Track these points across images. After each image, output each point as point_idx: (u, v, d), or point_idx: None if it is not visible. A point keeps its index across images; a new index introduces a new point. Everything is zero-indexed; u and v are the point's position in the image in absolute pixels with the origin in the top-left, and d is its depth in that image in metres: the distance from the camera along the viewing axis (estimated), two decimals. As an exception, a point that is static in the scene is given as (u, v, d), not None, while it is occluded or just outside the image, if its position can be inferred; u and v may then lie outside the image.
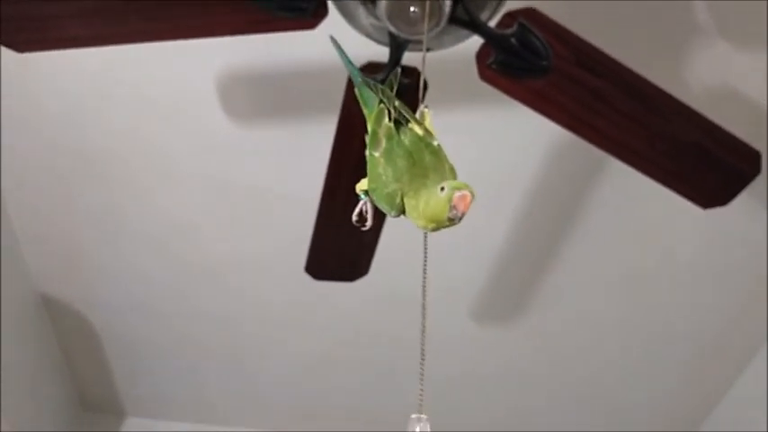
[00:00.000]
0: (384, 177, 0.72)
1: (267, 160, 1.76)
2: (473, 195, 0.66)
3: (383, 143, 0.74)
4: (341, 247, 1.47)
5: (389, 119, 0.75)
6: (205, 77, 1.62)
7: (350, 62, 0.82)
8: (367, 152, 0.75)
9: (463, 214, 0.66)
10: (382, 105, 0.76)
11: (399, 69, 0.83)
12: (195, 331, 2.18)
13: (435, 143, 0.75)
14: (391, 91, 0.77)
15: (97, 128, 1.73)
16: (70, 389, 2.35)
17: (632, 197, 1.77)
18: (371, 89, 0.77)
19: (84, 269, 2.05)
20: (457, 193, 0.66)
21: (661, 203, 1.76)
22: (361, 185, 0.79)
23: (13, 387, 1.97)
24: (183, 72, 1.62)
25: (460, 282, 2.01)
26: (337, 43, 0.84)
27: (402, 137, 0.74)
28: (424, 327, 0.69)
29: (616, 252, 1.92)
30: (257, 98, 1.66)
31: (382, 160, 0.73)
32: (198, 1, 1.11)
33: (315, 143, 1.58)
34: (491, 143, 1.69)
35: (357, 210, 0.78)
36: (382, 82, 0.80)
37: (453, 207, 0.66)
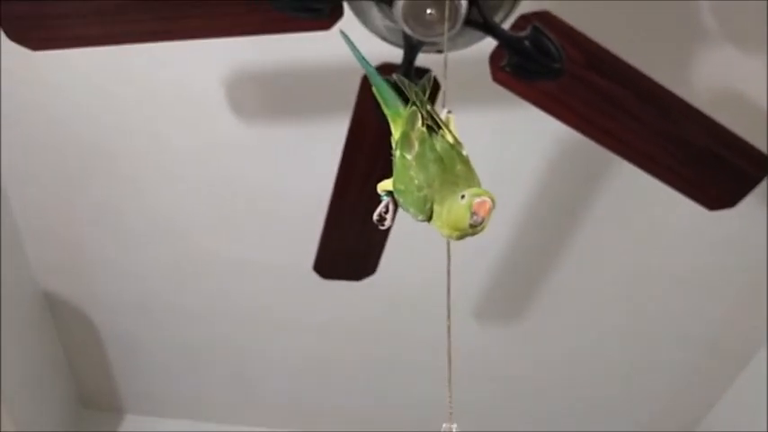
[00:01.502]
0: (416, 181, 0.72)
1: (274, 160, 1.76)
2: (493, 202, 0.66)
3: (416, 146, 0.73)
4: (350, 246, 1.47)
5: (423, 122, 0.75)
6: (212, 76, 1.62)
7: (364, 59, 0.81)
8: (396, 153, 0.75)
9: (484, 220, 0.66)
10: (415, 108, 0.75)
11: (432, 74, 0.83)
12: (196, 330, 2.18)
13: (465, 152, 0.75)
14: (424, 95, 0.76)
15: (101, 126, 1.73)
16: (70, 386, 2.35)
17: (633, 201, 1.78)
18: (405, 89, 0.76)
19: (87, 266, 2.04)
20: (477, 200, 0.66)
21: (661, 207, 1.78)
22: (385, 185, 0.79)
23: (14, 384, 1.97)
24: (190, 70, 1.62)
25: (463, 284, 2.02)
26: (350, 41, 0.82)
27: (434, 142, 0.74)
28: (449, 333, 0.70)
29: (617, 255, 1.93)
30: (265, 97, 1.66)
31: (414, 163, 0.72)
32: (213, 1, 1.12)
33: (322, 143, 1.59)
34: (500, 144, 1.70)
35: (379, 209, 0.78)
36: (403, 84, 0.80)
37: (474, 213, 0.66)
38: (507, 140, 1.70)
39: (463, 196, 0.67)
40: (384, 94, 0.80)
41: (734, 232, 1.83)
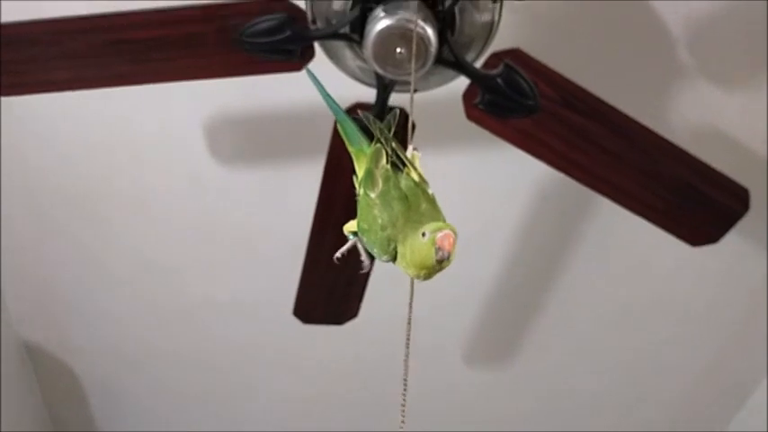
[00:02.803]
0: (380, 220, 0.69)
1: (253, 202, 1.75)
2: (455, 234, 0.64)
3: (380, 184, 0.71)
4: (330, 289, 1.45)
5: (387, 160, 0.73)
6: (189, 118, 1.62)
7: (328, 95, 0.80)
8: (360, 191, 0.73)
9: (449, 254, 0.64)
10: (379, 145, 0.73)
11: (398, 111, 0.82)
12: (179, 375, 2.14)
13: (430, 191, 0.73)
14: (389, 132, 0.75)
15: (78, 168, 1.71)
16: (52, 437, 2.30)
17: (621, 233, 1.77)
18: (370, 125, 0.75)
19: (66, 313, 2.01)
20: (439, 234, 0.64)
21: (650, 238, 1.75)
22: (350, 227, 0.77)
23: (-6, 437, 1.92)
24: (168, 112, 1.61)
25: (451, 326, 1.99)
26: (314, 75, 0.82)
27: (399, 179, 0.71)
28: (407, 363, 0.67)
29: (607, 289, 1.91)
30: (243, 139, 1.66)
31: (378, 202, 0.70)
32: (183, 44, 1.11)
33: (302, 185, 1.58)
34: (477, 183, 1.69)
35: (344, 249, 0.76)
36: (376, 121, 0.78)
37: (439, 249, 0.64)
38: (487, 180, 1.69)
39: (424, 234, 0.65)
40: (348, 131, 0.79)
41: (726, 266, 1.81)
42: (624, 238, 1.78)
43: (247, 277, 1.90)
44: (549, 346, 2.03)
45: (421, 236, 0.65)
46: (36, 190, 1.74)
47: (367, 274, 1.42)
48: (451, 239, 0.64)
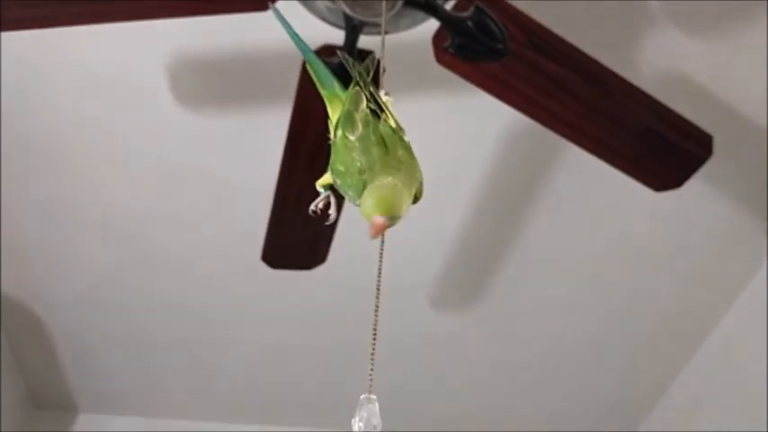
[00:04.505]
0: (359, 164, 0.68)
1: (221, 148, 1.73)
2: (392, 224, 0.64)
3: (360, 127, 0.70)
4: (297, 235, 1.45)
5: (366, 103, 0.71)
6: (155, 62, 1.57)
7: (296, 35, 0.77)
8: (337, 133, 0.71)
9: (376, 236, 0.64)
10: (358, 88, 0.72)
11: (375, 55, 0.80)
12: (148, 323, 2.14)
13: (407, 139, 0.72)
14: (368, 75, 0.73)
15: (42, 115, 1.67)
16: (20, 387, 2.29)
17: (587, 181, 1.78)
18: (349, 67, 0.73)
19: (34, 263, 1.99)
20: (375, 218, 0.63)
21: (616, 186, 1.78)
22: (323, 181, 0.76)
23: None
24: (133, 57, 1.57)
25: (418, 270, 2.01)
26: (281, 15, 0.79)
27: (378, 125, 0.70)
28: (377, 306, 0.68)
29: (573, 236, 1.93)
30: (210, 84, 1.62)
31: (357, 145, 0.69)
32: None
33: (271, 130, 1.56)
34: (446, 128, 1.69)
35: (317, 202, 0.76)
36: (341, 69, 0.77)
37: (371, 224, 0.64)
38: (456, 125, 1.69)
39: (370, 201, 0.64)
40: (319, 73, 0.77)
41: (688, 213, 1.85)
42: (589, 185, 1.80)
43: (216, 224, 1.89)
44: (514, 291, 2.06)
45: (370, 199, 0.65)
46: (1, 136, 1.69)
47: (335, 221, 1.42)
48: (378, 229, 0.63)
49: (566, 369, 2.28)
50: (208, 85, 1.63)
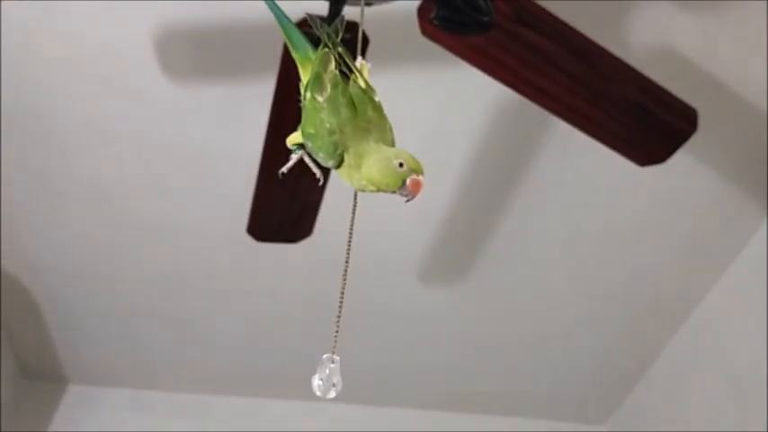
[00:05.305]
0: (327, 125, 0.69)
1: (206, 120, 1.72)
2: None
3: (328, 89, 0.71)
4: (283, 207, 1.44)
5: (335, 65, 0.72)
6: (138, 33, 1.56)
7: (272, 1, 0.78)
8: (306, 95, 0.72)
9: (414, 198, 0.67)
10: (327, 50, 0.73)
11: (344, 16, 0.80)
12: (137, 295, 2.14)
13: (377, 99, 0.73)
14: (336, 36, 0.74)
15: (25, 87, 1.65)
16: (10, 357, 2.29)
17: (575, 156, 1.78)
18: (316, 28, 0.74)
19: (20, 234, 1.98)
20: (414, 177, 0.67)
21: (603, 162, 1.78)
22: (294, 138, 0.77)
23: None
24: (115, 27, 1.55)
25: (406, 243, 2.01)
26: None
27: (347, 86, 0.72)
28: (346, 274, 0.69)
29: (560, 211, 1.94)
30: (193, 55, 1.61)
31: (326, 106, 0.70)
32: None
33: (258, 100, 1.55)
34: (433, 101, 1.68)
35: (289, 163, 0.76)
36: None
37: (406, 188, 0.67)
38: (442, 98, 1.68)
39: (401, 164, 0.67)
40: (293, 37, 0.78)
41: (675, 189, 1.85)
42: (576, 160, 1.80)
43: (202, 197, 1.89)
44: (502, 266, 2.07)
45: (395, 162, 0.67)
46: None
47: (321, 192, 1.41)
48: (420, 188, 0.67)
49: (551, 345, 2.30)
50: (194, 55, 1.61)
